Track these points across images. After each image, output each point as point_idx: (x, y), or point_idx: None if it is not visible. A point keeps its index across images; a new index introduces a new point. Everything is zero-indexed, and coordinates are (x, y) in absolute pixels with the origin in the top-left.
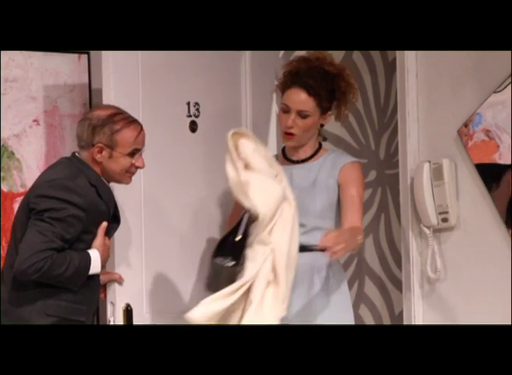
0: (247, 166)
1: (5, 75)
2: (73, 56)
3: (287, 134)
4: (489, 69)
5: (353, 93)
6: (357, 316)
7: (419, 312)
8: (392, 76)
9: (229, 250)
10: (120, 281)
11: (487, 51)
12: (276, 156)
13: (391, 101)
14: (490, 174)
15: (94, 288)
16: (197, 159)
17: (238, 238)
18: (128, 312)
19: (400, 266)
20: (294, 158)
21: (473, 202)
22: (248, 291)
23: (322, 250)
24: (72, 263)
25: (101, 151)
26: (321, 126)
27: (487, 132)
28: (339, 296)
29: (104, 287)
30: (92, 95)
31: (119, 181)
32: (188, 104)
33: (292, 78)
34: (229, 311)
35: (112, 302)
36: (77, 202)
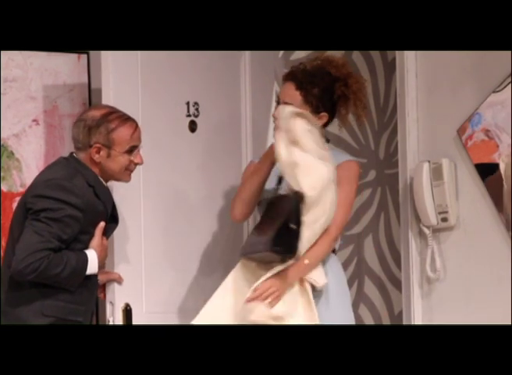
0: (296, 144)
1: (5, 75)
2: (73, 56)
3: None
4: (489, 69)
5: (357, 100)
6: (356, 315)
7: (418, 312)
8: (392, 76)
9: (287, 239)
10: (119, 281)
11: (486, 51)
12: None
13: (390, 101)
14: (490, 174)
15: (92, 288)
16: (196, 159)
17: (293, 226)
18: (127, 311)
19: (399, 266)
20: None
21: (472, 202)
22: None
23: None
24: (69, 263)
25: (98, 152)
26: None
27: (486, 132)
28: (338, 296)
29: (104, 286)
30: (92, 95)
31: (118, 179)
32: (188, 104)
33: (290, 73)
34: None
35: (111, 302)
36: (74, 202)
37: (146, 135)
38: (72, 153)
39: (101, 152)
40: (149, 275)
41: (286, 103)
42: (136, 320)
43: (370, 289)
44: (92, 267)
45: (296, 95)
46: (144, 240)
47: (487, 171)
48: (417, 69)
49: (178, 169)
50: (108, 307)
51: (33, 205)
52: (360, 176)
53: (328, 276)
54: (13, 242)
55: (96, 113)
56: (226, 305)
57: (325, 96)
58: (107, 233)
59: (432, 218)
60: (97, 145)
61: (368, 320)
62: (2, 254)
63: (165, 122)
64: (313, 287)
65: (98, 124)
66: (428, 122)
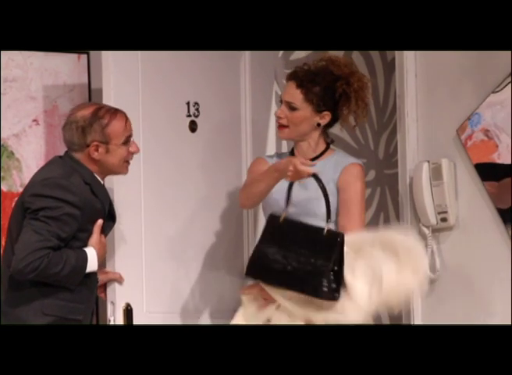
0: None
1: (5, 75)
2: (73, 56)
3: (279, 126)
4: (488, 69)
5: (359, 99)
6: None
7: (418, 312)
8: (392, 76)
9: (334, 281)
10: (120, 281)
11: (486, 51)
12: (287, 155)
13: (390, 101)
14: (489, 174)
15: (91, 286)
16: (196, 159)
17: (336, 268)
18: (128, 311)
19: None
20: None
21: (472, 202)
22: None
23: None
24: (69, 262)
25: (97, 149)
26: (318, 125)
27: (486, 132)
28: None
29: (105, 286)
30: (92, 95)
31: (117, 173)
32: (188, 104)
33: (293, 72)
34: None
35: (112, 302)
36: (72, 201)
37: (146, 135)
38: (67, 152)
39: (100, 149)
40: (150, 275)
41: (287, 102)
42: (137, 320)
43: None
44: (92, 265)
45: (297, 94)
46: (145, 240)
47: (486, 171)
48: (416, 70)
49: (178, 169)
50: (109, 307)
51: (31, 205)
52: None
53: None
54: (12, 242)
55: (85, 112)
56: None
57: (327, 94)
58: (105, 231)
59: (432, 218)
60: (95, 143)
61: None
62: (2, 254)
63: (166, 122)
64: None
65: (91, 122)
66: (427, 122)
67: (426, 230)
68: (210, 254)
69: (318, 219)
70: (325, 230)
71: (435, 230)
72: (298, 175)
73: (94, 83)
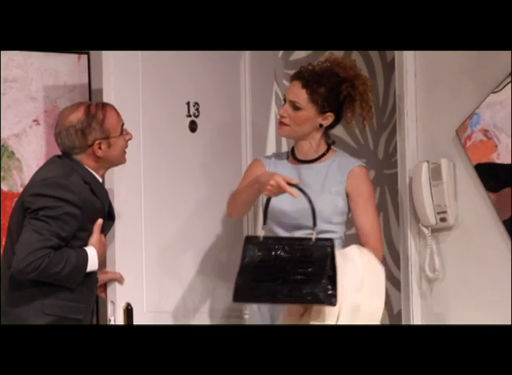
0: None
1: (5, 75)
2: (73, 56)
3: (280, 124)
4: (488, 69)
5: (363, 102)
6: None
7: (417, 312)
8: (391, 77)
9: (330, 287)
10: (121, 280)
11: (485, 51)
12: (287, 154)
13: (390, 101)
14: (488, 174)
15: (92, 286)
16: (196, 159)
17: (331, 274)
18: (128, 311)
19: (398, 266)
20: (301, 157)
21: (471, 202)
22: None
23: None
24: (70, 261)
25: (100, 146)
26: (320, 126)
27: (485, 132)
28: None
29: (105, 286)
30: (92, 95)
31: (119, 164)
32: (188, 104)
33: (298, 72)
34: None
35: (112, 301)
36: (72, 200)
37: (146, 135)
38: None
39: (102, 146)
40: (150, 274)
41: (291, 101)
42: (138, 320)
43: None
44: (92, 264)
45: (302, 93)
46: (145, 239)
47: (486, 171)
48: (416, 70)
49: (178, 169)
50: (109, 306)
51: (31, 204)
52: None
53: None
54: (12, 242)
55: (78, 115)
56: None
57: (331, 96)
58: (104, 230)
59: (431, 218)
60: (98, 141)
61: None
62: (2, 254)
63: (166, 122)
64: None
65: (89, 123)
66: (427, 122)
67: (425, 230)
68: (210, 253)
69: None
70: (313, 239)
71: (435, 230)
72: (277, 191)
73: (94, 83)
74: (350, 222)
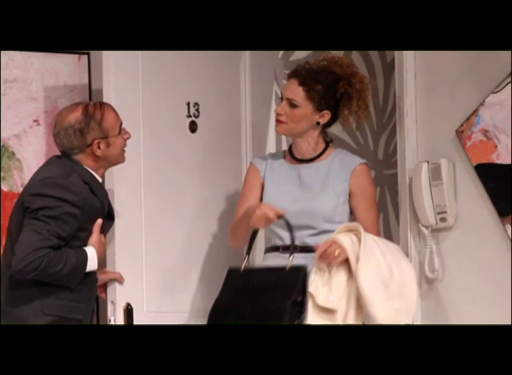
0: None
1: (5, 75)
2: (73, 57)
3: (277, 121)
4: (487, 70)
5: (360, 100)
6: None
7: (417, 312)
8: (391, 77)
9: (297, 309)
10: (121, 281)
11: (485, 51)
12: (283, 154)
13: (389, 102)
14: (488, 174)
15: (91, 286)
16: (196, 159)
17: (300, 299)
18: (128, 311)
19: None
20: (299, 156)
21: (471, 202)
22: None
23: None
24: (69, 261)
25: (99, 146)
26: (317, 124)
27: (485, 132)
28: None
29: (105, 286)
30: (92, 96)
31: (118, 163)
32: (188, 104)
33: (295, 70)
34: None
35: (112, 302)
36: (71, 200)
37: (146, 135)
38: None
39: (101, 145)
40: (150, 274)
41: (288, 99)
42: (138, 320)
43: None
44: (92, 264)
45: (299, 91)
46: (145, 239)
47: (485, 172)
48: (416, 70)
49: (178, 169)
50: (110, 306)
51: (31, 204)
52: None
53: None
54: (12, 242)
55: (76, 115)
56: None
57: (328, 94)
58: (104, 230)
59: (431, 218)
60: (96, 141)
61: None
62: (2, 254)
63: (166, 122)
64: None
65: (87, 122)
66: (427, 122)
67: (425, 230)
68: (210, 253)
69: (319, 218)
70: (288, 267)
71: (435, 230)
72: (264, 222)
73: (94, 83)
74: (349, 221)
